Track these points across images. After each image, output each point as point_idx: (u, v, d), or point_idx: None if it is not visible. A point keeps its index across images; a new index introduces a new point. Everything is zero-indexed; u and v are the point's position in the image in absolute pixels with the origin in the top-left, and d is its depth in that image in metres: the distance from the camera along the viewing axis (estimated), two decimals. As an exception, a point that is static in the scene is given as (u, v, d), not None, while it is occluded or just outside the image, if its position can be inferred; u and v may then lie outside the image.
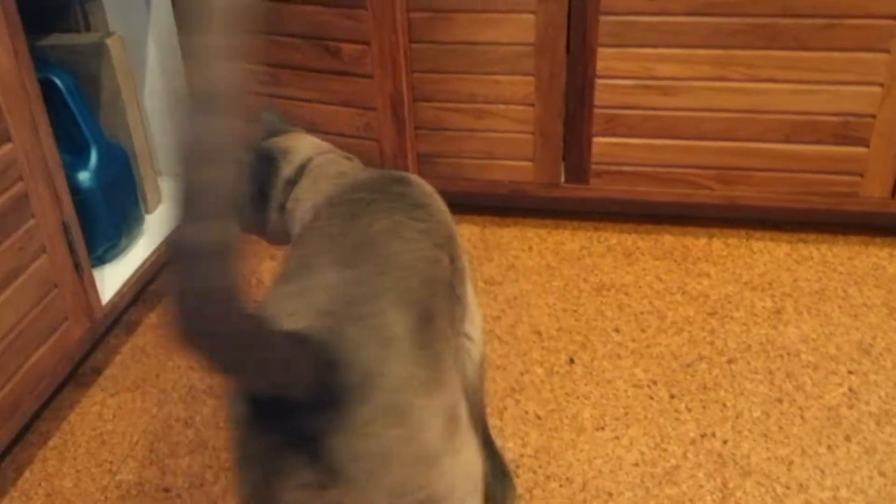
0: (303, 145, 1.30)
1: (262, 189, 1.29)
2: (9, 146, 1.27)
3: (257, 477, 0.78)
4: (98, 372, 1.58)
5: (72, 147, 1.61)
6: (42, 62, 1.56)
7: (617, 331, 1.61)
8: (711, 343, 1.56)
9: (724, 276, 1.74)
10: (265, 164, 1.29)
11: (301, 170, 1.26)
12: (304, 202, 1.19)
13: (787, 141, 1.72)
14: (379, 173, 1.17)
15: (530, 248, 1.86)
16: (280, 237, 1.32)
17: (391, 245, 0.92)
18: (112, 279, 1.62)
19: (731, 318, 1.62)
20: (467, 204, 1.98)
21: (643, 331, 1.60)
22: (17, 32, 1.28)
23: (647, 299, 1.68)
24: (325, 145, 1.33)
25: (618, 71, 1.72)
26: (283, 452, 0.76)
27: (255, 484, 0.78)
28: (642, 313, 1.65)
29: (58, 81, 1.57)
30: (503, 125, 1.82)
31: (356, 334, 0.79)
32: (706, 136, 1.75)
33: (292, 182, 1.27)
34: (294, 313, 0.79)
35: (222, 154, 0.59)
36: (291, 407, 0.74)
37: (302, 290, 0.83)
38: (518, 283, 1.75)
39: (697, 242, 1.85)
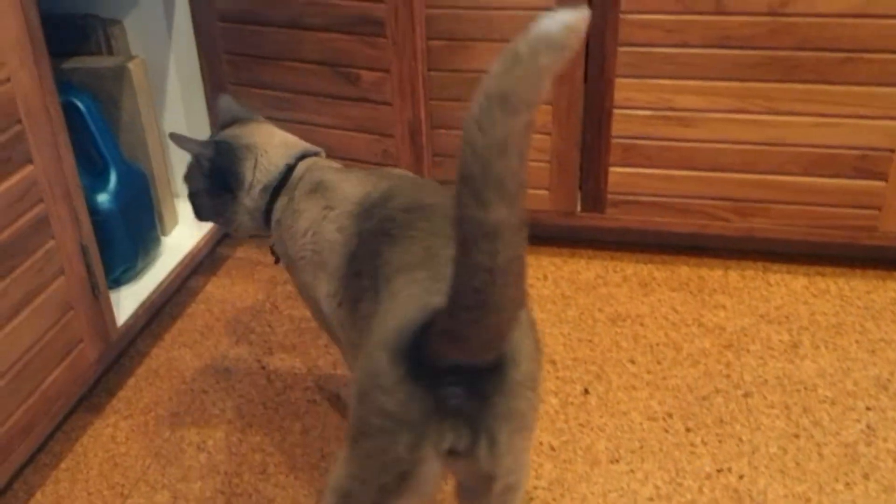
0: (271, 145, 1.31)
1: (225, 184, 1.30)
2: (30, 168, 1.28)
3: (404, 444, 0.85)
4: (111, 394, 1.58)
5: (91, 169, 1.62)
6: (64, 84, 1.58)
7: (632, 362, 1.60)
8: (727, 376, 1.55)
9: (741, 308, 1.73)
10: (227, 158, 1.30)
11: (282, 177, 1.28)
12: (306, 212, 1.21)
13: (805, 174, 1.71)
14: (402, 176, 1.25)
15: (545, 277, 1.86)
16: (245, 233, 1.36)
17: None
18: (127, 301, 1.63)
19: (748, 351, 1.61)
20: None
21: (659, 362, 1.59)
22: (41, 56, 1.29)
23: (663, 330, 1.67)
24: (292, 141, 1.35)
25: (636, 101, 1.73)
26: (440, 415, 0.85)
27: (397, 452, 0.86)
28: (658, 345, 1.64)
29: (79, 104, 1.58)
30: (520, 153, 1.82)
31: None
32: (724, 167, 1.74)
33: (271, 190, 1.29)
34: (439, 293, 0.87)
35: (520, 147, 0.69)
36: (466, 371, 0.84)
37: (437, 275, 0.93)
38: (533, 311, 1.74)
39: (713, 274, 1.84)
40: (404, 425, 0.85)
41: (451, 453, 0.87)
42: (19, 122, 1.26)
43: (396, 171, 1.29)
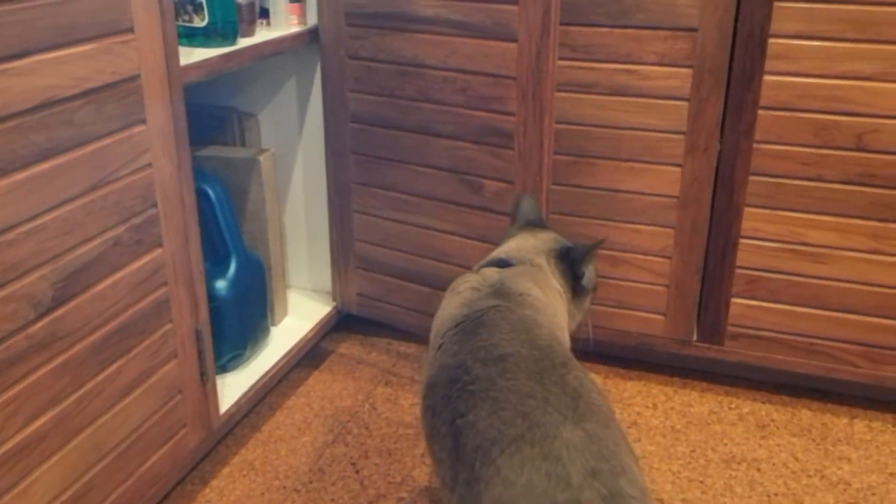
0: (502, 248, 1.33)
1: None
2: (159, 251, 1.31)
3: None
4: (205, 482, 1.56)
5: (213, 255, 1.65)
6: (197, 171, 1.62)
7: (747, 510, 1.49)
8: (853, 538, 1.42)
9: (868, 463, 1.60)
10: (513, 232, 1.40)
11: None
12: (437, 315, 1.21)
13: (946, 324, 1.60)
14: (496, 307, 1.16)
15: (655, 406, 1.77)
16: None
17: (592, 396, 0.97)
18: (231, 389, 1.62)
19: (876, 512, 1.48)
20: (592, 352, 1.92)
21: (777, 514, 1.48)
22: (183, 146, 1.33)
23: (782, 479, 1.56)
24: (502, 250, 1.33)
25: (764, 232, 1.66)
26: None
27: None
28: (776, 495, 1.52)
29: (210, 192, 1.63)
30: (638, 275, 1.77)
31: (631, 492, 0.87)
32: (855, 309, 1.65)
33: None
34: (563, 483, 0.84)
35: None
36: None
37: (548, 453, 0.87)
38: (640, 442, 1.66)
39: (838, 422, 1.72)
40: None
41: None
42: (154, 206, 1.29)
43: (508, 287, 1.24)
